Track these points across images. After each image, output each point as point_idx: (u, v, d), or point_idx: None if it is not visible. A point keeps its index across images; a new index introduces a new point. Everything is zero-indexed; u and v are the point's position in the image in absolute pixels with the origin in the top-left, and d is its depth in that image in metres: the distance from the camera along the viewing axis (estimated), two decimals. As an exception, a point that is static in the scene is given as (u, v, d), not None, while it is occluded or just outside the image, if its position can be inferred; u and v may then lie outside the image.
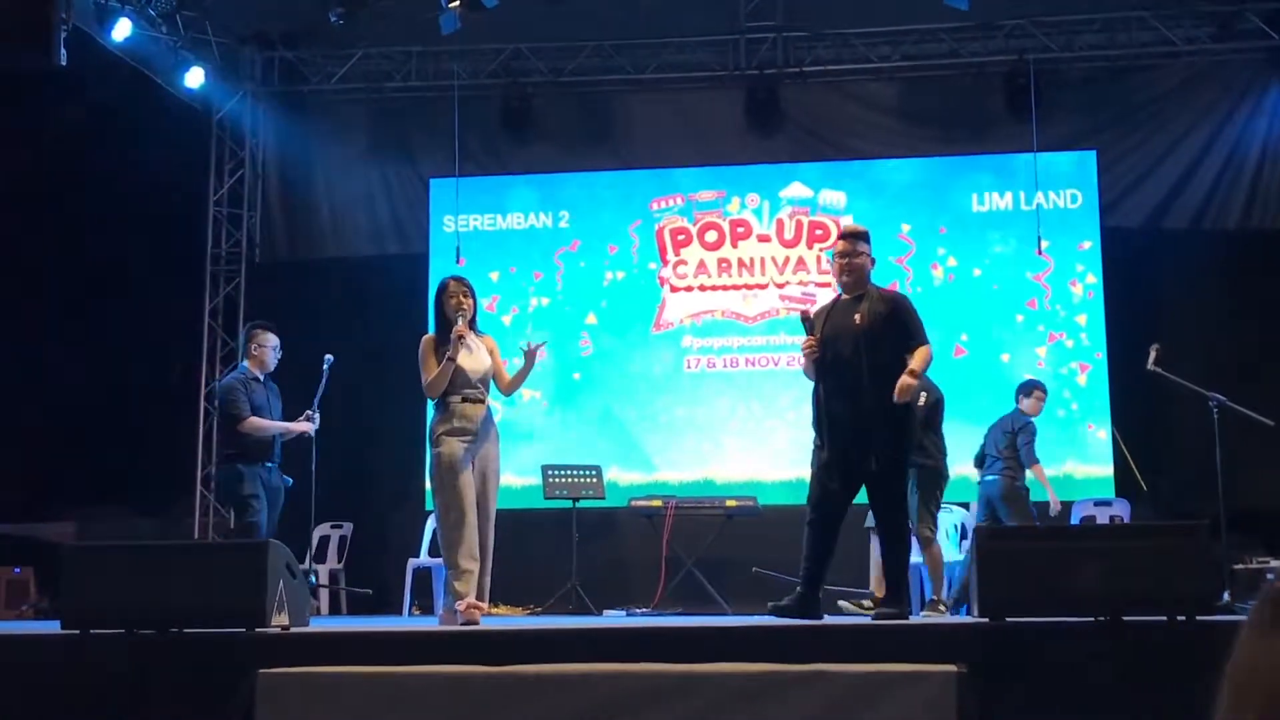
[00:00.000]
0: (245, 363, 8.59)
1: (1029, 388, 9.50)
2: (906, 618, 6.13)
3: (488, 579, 6.61)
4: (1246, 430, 8.50)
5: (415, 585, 9.96)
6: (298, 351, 11.62)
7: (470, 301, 6.84)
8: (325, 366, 8.75)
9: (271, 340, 8.63)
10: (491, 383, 6.87)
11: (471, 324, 6.82)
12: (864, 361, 6.35)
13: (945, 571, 9.30)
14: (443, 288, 6.95)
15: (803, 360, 6.64)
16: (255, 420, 8.30)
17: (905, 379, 6.27)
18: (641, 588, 9.89)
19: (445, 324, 6.81)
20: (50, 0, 8.68)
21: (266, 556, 5.53)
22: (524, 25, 11.08)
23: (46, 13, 8.64)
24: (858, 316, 6.46)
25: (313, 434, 8.56)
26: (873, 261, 6.80)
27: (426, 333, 11.26)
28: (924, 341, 6.52)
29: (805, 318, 6.71)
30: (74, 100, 10.68)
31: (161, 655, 5.19)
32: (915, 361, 6.35)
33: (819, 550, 6.40)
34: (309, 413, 8.49)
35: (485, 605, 6.58)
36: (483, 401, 6.75)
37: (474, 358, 6.76)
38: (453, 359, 6.65)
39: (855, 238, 6.75)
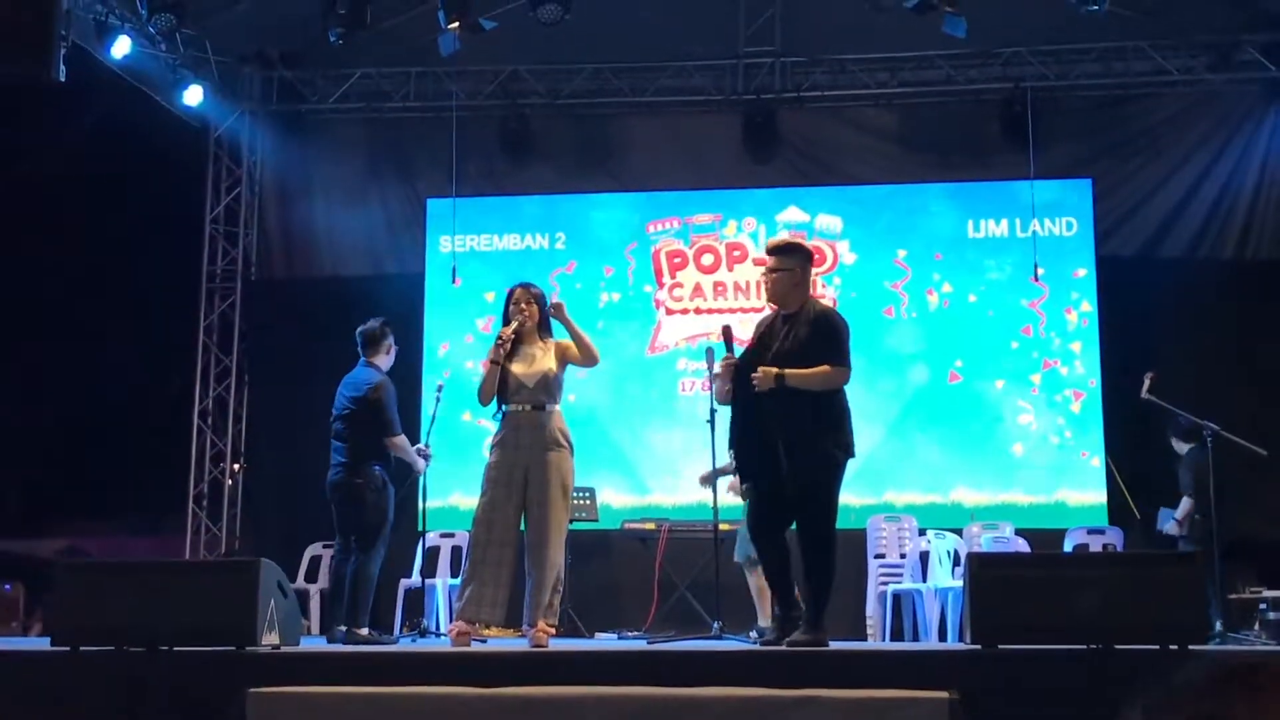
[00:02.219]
0: (380, 362, 7.91)
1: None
2: (825, 645, 5.87)
3: (543, 596, 6.40)
4: (1241, 459, 8.50)
5: (407, 605, 9.92)
6: (292, 369, 11.66)
7: (534, 309, 6.70)
8: (438, 392, 8.24)
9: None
10: (565, 378, 6.70)
11: (543, 329, 6.72)
12: (782, 383, 6.05)
13: (939, 599, 9.31)
14: (509, 294, 6.81)
15: (716, 381, 6.49)
16: (402, 441, 7.77)
17: (769, 370, 5.98)
18: (634, 611, 9.86)
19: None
20: (50, 17, 8.70)
21: (258, 575, 5.52)
22: (523, 47, 11.11)
23: (46, 29, 8.67)
24: (783, 337, 6.22)
25: (423, 472, 8.06)
26: (803, 275, 6.33)
27: (421, 352, 11.34)
28: (839, 364, 6.09)
29: (726, 333, 6.51)
30: (73, 117, 10.70)
31: (152, 673, 5.17)
32: (802, 371, 5.98)
33: (779, 576, 6.22)
34: (422, 447, 8.00)
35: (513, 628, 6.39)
36: (540, 408, 6.56)
37: (529, 363, 6.61)
38: (496, 362, 6.55)
39: (778, 253, 6.38)
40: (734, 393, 6.24)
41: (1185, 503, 9.00)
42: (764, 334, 6.31)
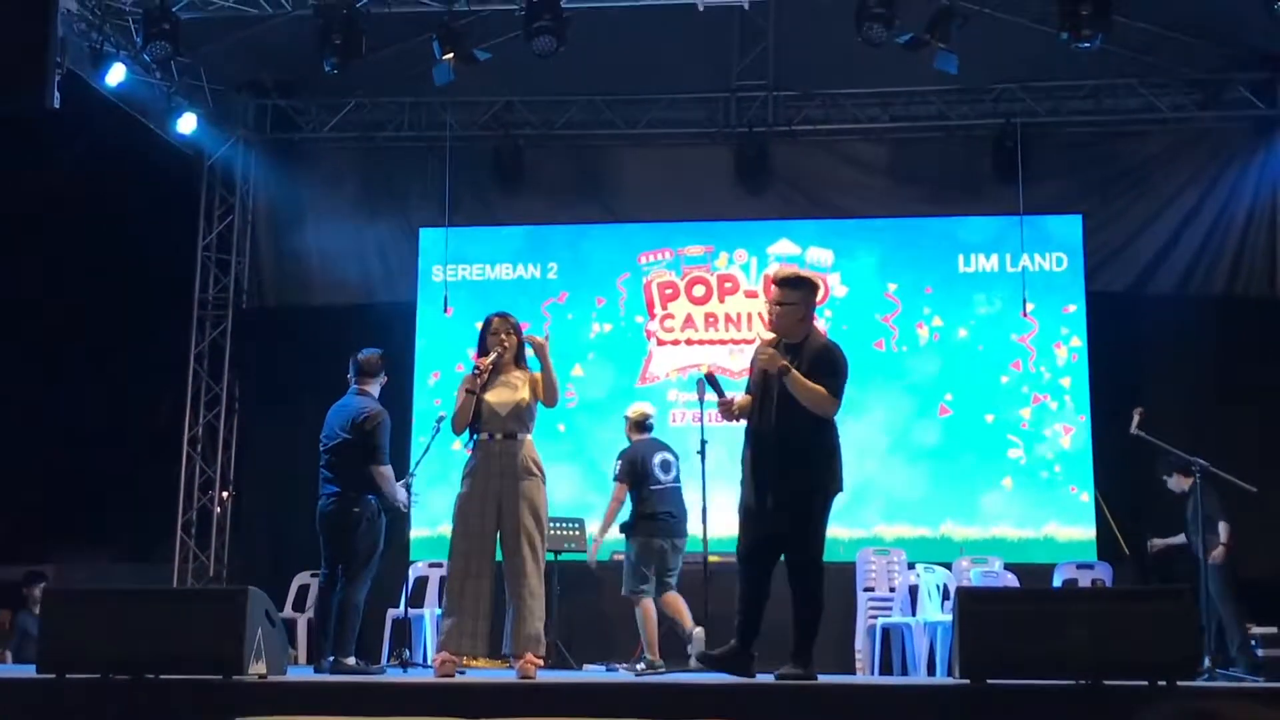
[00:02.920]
0: (372, 391, 7.82)
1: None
2: (814, 678, 5.90)
3: (526, 625, 6.34)
4: (1229, 496, 8.51)
5: (394, 636, 9.87)
6: (283, 397, 11.65)
7: (513, 339, 6.68)
8: (438, 423, 7.83)
9: None
10: (537, 408, 6.65)
11: (518, 360, 6.70)
12: (776, 412, 6.12)
13: (928, 633, 9.30)
14: (486, 324, 6.80)
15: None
16: (388, 472, 7.63)
17: (774, 354, 6.04)
18: (622, 643, 9.82)
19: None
20: (44, 44, 8.71)
21: (245, 604, 5.50)
22: (517, 78, 11.15)
23: (40, 56, 8.67)
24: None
25: (405, 508, 7.89)
26: (808, 309, 6.36)
27: (411, 382, 11.32)
28: (831, 389, 6.10)
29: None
30: (66, 144, 10.71)
31: (137, 701, 5.14)
32: (804, 380, 6.00)
33: (750, 606, 6.20)
34: (407, 480, 7.92)
35: (522, 656, 6.29)
36: (511, 437, 6.54)
37: (503, 393, 6.58)
38: (472, 392, 6.52)
39: (786, 285, 6.35)
40: (749, 419, 6.30)
41: (1224, 528, 8.92)
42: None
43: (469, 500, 6.51)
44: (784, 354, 6.26)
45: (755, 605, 6.17)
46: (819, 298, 11.01)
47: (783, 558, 6.18)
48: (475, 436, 6.61)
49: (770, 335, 6.43)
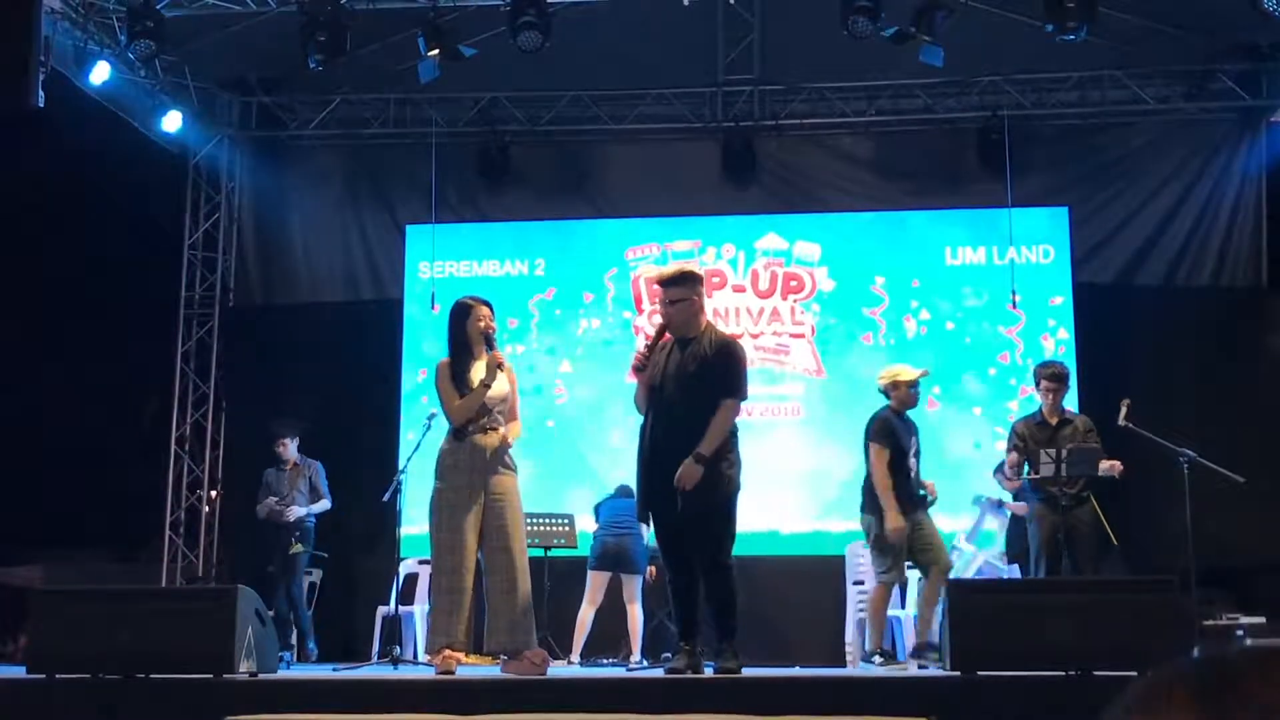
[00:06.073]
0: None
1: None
2: (738, 672, 5.96)
3: (528, 618, 6.32)
4: (1216, 486, 8.54)
5: (384, 633, 9.87)
6: (270, 395, 11.62)
7: (495, 325, 6.60)
8: (429, 420, 7.87)
9: None
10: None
11: (490, 345, 6.59)
12: (685, 406, 6.16)
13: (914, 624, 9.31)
14: (466, 309, 6.59)
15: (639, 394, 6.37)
16: None
17: (688, 466, 5.99)
18: (613, 638, 9.83)
19: (462, 346, 6.54)
20: (28, 42, 8.69)
21: (235, 602, 5.49)
22: (502, 74, 11.14)
23: (24, 55, 8.65)
24: (685, 359, 6.27)
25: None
26: (700, 301, 6.45)
27: (399, 380, 11.28)
28: (736, 396, 6.22)
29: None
30: (51, 143, 10.68)
31: (128, 701, 5.13)
32: (705, 442, 6.03)
33: (685, 605, 6.32)
34: (396, 478, 8.25)
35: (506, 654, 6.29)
36: (497, 430, 6.45)
37: (498, 386, 6.46)
38: (487, 385, 6.38)
39: (676, 284, 6.41)
40: (646, 416, 6.34)
41: None
42: (668, 356, 6.34)
43: (456, 494, 6.39)
44: (680, 349, 6.32)
45: (691, 605, 6.30)
46: (806, 293, 11.18)
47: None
48: (462, 428, 6.47)
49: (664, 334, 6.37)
